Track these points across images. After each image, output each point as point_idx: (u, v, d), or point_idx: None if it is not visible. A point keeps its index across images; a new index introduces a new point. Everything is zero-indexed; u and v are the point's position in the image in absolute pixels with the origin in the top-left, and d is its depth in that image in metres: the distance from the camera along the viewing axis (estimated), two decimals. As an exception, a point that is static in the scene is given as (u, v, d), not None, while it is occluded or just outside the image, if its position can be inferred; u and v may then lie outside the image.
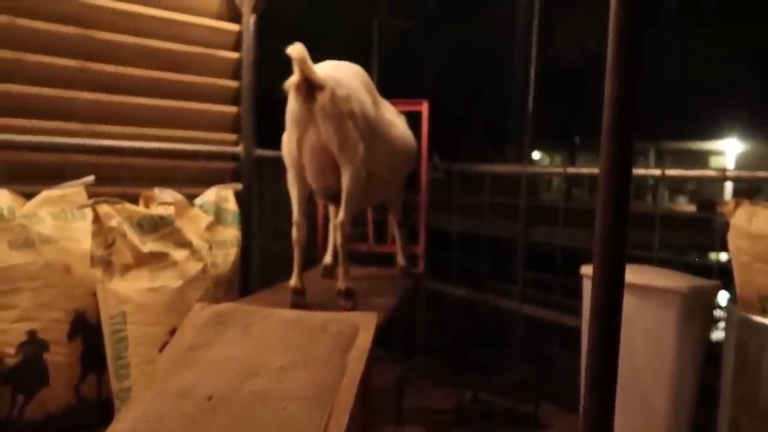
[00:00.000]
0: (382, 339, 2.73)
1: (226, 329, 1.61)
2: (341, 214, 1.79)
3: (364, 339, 1.54)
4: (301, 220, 1.81)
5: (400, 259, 2.47)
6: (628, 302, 1.99)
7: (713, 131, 12.47)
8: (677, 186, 11.75)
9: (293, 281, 1.80)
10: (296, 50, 1.61)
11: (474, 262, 2.99)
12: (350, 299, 1.79)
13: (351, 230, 1.85)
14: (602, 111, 1.15)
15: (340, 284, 1.80)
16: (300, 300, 1.78)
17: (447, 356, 2.95)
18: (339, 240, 1.81)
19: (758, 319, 1.51)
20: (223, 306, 1.70)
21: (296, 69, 1.63)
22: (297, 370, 1.45)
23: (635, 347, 1.98)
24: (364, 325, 1.58)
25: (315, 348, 1.51)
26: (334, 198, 1.84)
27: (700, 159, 14.19)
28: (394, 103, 2.49)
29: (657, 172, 2.26)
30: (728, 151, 13.42)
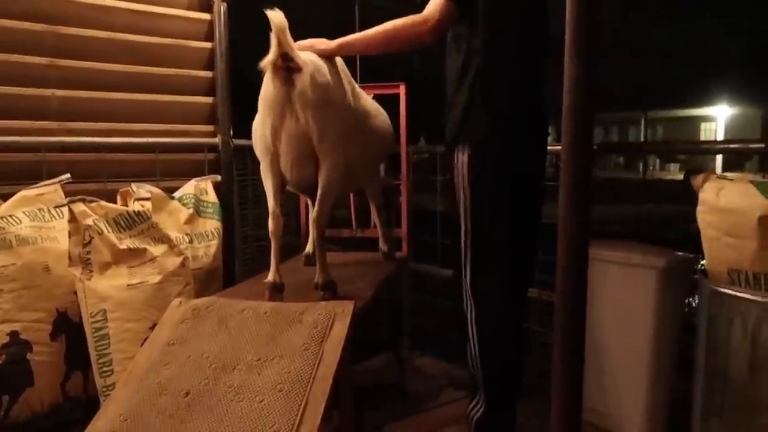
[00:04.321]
0: (369, 323, 2.79)
1: (203, 324, 1.62)
2: (317, 209, 1.72)
3: (340, 328, 1.55)
4: (277, 211, 1.73)
5: (383, 245, 2.47)
6: (607, 278, 2.04)
7: (703, 98, 12.47)
8: (669, 154, 11.76)
9: (271, 276, 1.75)
10: (277, 16, 1.48)
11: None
12: (328, 291, 1.77)
13: (329, 220, 1.81)
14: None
15: (318, 278, 1.77)
16: (278, 295, 1.74)
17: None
18: (315, 235, 1.77)
19: (728, 291, 1.52)
20: (200, 301, 1.71)
21: (274, 40, 1.51)
22: (273, 362, 1.46)
23: (614, 322, 2.01)
24: (340, 314, 1.59)
25: (291, 339, 1.52)
26: (310, 190, 1.78)
27: (691, 125, 14.18)
28: (372, 87, 2.48)
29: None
30: (718, 116, 13.42)
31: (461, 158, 1.79)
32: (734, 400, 1.53)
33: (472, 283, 1.81)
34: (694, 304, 1.93)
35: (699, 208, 1.63)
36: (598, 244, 2.07)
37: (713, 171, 1.72)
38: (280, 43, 1.51)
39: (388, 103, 2.57)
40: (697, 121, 14.18)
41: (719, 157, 8.61)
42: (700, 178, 1.63)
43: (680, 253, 1.96)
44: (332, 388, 1.40)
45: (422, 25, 1.71)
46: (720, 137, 12.84)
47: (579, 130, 1.17)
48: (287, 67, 1.58)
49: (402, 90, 2.54)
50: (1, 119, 2.20)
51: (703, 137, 13.72)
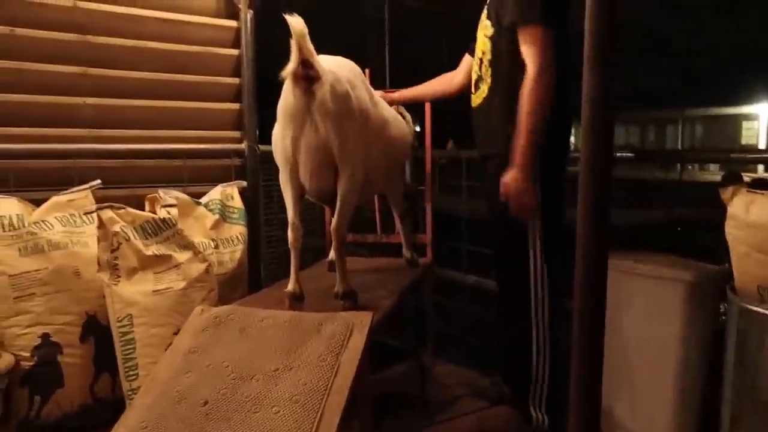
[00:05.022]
0: (391, 330, 2.79)
1: (224, 332, 1.64)
2: (336, 219, 1.72)
3: (358, 340, 1.55)
4: (296, 222, 1.74)
5: (406, 251, 2.46)
6: (634, 291, 1.99)
7: (744, 96, 12.04)
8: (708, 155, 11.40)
9: (290, 285, 1.76)
10: (297, 22, 1.47)
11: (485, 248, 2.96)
12: (348, 300, 1.77)
13: (354, 224, 1.82)
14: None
15: (338, 287, 1.78)
16: (298, 305, 1.75)
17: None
18: (334, 245, 1.78)
19: (757, 309, 1.47)
20: (222, 309, 1.73)
21: (294, 47, 1.50)
22: (290, 372, 1.47)
23: (641, 336, 1.96)
24: (359, 325, 1.59)
25: (308, 350, 1.52)
26: (329, 200, 1.78)
27: (732, 124, 13.71)
28: (396, 91, 2.48)
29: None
30: (761, 114, 12.94)
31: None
32: (764, 418, 1.48)
33: (551, 297, 1.87)
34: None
35: (728, 223, 1.58)
36: (625, 255, 2.03)
37: (755, 172, 1.66)
38: (300, 50, 1.51)
39: (416, 108, 2.57)
40: (738, 119, 13.69)
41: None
42: (729, 191, 1.57)
43: (710, 266, 1.90)
44: (348, 401, 1.40)
45: (545, 82, 1.78)
46: (763, 136, 12.39)
47: (598, 140, 1.15)
48: (307, 76, 1.57)
49: (427, 95, 2.53)
50: (36, 127, 2.27)
51: (744, 136, 13.26)
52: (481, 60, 2.02)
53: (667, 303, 1.86)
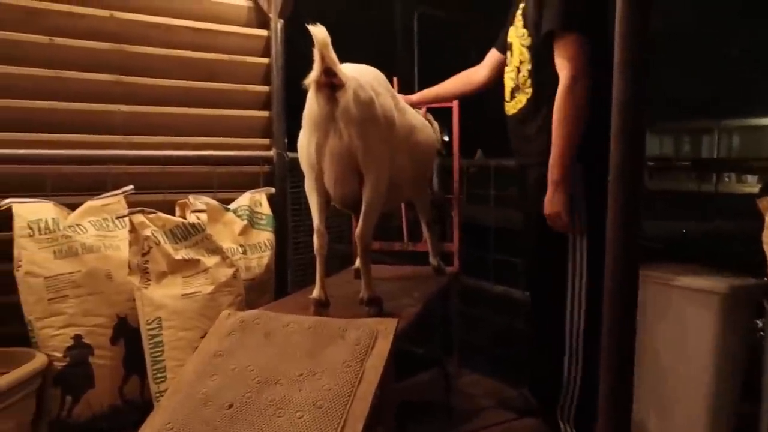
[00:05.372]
0: (417, 338, 2.77)
1: (249, 336, 1.65)
2: (360, 226, 1.72)
3: (383, 346, 1.55)
4: (322, 229, 1.75)
5: (433, 259, 2.45)
6: (667, 302, 1.94)
7: (783, 106, 11.70)
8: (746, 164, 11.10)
9: (316, 292, 1.77)
10: (320, 32, 1.48)
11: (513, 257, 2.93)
12: (374, 307, 1.77)
13: (380, 232, 1.82)
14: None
15: (363, 293, 1.78)
16: (323, 311, 1.75)
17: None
18: (359, 251, 1.78)
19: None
20: (248, 313, 1.74)
21: (317, 56, 1.51)
22: (314, 378, 1.47)
23: (674, 348, 1.91)
24: (383, 332, 1.58)
25: (333, 355, 1.52)
26: (354, 207, 1.79)
27: (769, 135, 13.32)
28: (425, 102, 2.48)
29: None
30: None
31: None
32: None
33: (588, 307, 1.86)
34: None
35: (765, 233, 1.53)
36: (658, 266, 1.98)
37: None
38: (323, 59, 1.52)
39: (444, 116, 2.57)
40: (776, 129, 13.32)
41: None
42: (766, 201, 1.53)
43: (747, 278, 1.84)
44: (372, 408, 1.39)
45: (579, 92, 1.78)
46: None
47: (628, 145, 1.13)
48: (330, 84, 1.58)
49: (455, 104, 2.53)
50: (72, 133, 2.33)
51: (783, 148, 12.87)
52: (518, 69, 2.00)
53: (700, 315, 1.81)
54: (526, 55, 1.94)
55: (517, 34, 1.99)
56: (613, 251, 1.16)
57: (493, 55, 2.28)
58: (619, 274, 1.16)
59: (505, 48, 2.10)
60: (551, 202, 1.84)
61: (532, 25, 1.89)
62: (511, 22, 2.07)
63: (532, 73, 1.93)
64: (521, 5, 1.98)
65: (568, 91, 1.77)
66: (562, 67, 1.79)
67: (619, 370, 1.17)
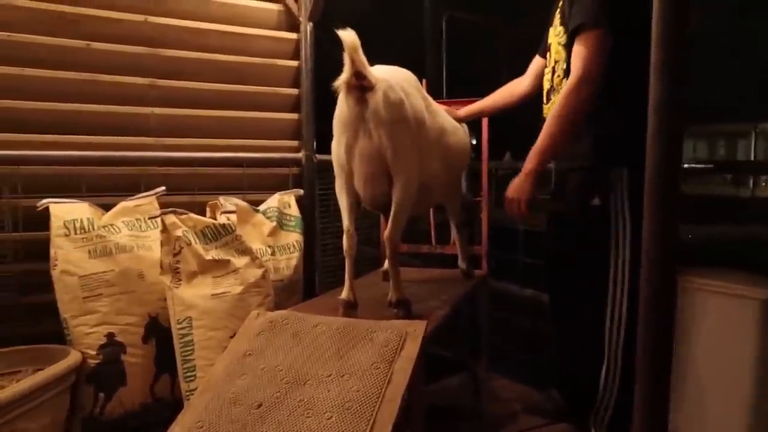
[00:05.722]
0: (446, 341, 2.75)
1: (278, 337, 1.65)
2: (390, 227, 1.72)
3: (411, 348, 1.53)
4: (351, 230, 1.75)
5: (462, 262, 2.43)
6: (705, 308, 1.89)
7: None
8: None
9: (344, 293, 1.77)
10: (349, 36, 1.48)
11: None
12: (402, 309, 1.76)
13: (407, 236, 1.80)
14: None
15: (391, 295, 1.77)
16: (351, 312, 1.75)
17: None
18: (388, 253, 1.77)
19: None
20: (277, 314, 1.75)
21: (347, 60, 1.52)
22: (343, 379, 1.47)
23: (712, 355, 1.86)
24: (412, 334, 1.57)
25: (361, 357, 1.52)
26: (384, 208, 1.78)
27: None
28: (454, 102, 2.47)
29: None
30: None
31: (616, 181, 1.80)
32: None
33: (629, 313, 1.81)
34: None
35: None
36: (695, 271, 1.93)
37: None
38: (353, 62, 1.53)
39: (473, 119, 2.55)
40: (817, 132, 12.90)
41: None
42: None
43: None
44: (401, 410, 1.38)
45: (584, 93, 1.73)
46: None
47: (665, 147, 1.11)
48: (360, 86, 1.59)
49: (484, 105, 2.50)
50: (107, 135, 2.38)
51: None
52: (553, 69, 1.96)
53: (740, 322, 1.75)
54: (562, 53, 1.88)
55: (555, 33, 1.95)
56: (650, 256, 1.13)
57: (535, 63, 2.22)
58: (655, 280, 1.14)
59: (545, 51, 2.06)
60: (519, 188, 1.79)
61: (567, 23, 1.85)
62: (550, 23, 2.02)
63: (567, 72, 1.89)
64: (560, 3, 1.93)
65: (574, 90, 1.72)
66: (576, 63, 1.74)
67: (656, 377, 1.14)
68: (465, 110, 2.41)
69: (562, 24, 1.89)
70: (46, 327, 2.15)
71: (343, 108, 1.65)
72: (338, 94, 1.65)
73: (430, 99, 1.97)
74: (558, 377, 2.24)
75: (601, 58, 1.72)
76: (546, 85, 2.03)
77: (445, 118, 2.10)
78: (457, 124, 2.25)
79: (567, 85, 1.75)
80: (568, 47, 1.86)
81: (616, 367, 1.86)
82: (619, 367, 1.85)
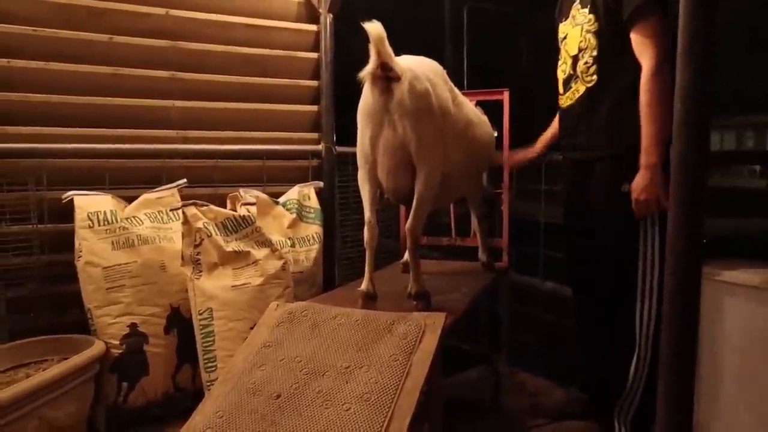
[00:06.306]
0: (465, 335, 2.73)
1: (297, 328, 1.66)
2: (411, 219, 1.70)
3: (430, 341, 1.53)
4: (372, 221, 1.74)
5: (482, 255, 2.41)
6: (732, 302, 1.85)
7: None
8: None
9: (364, 285, 1.77)
10: (374, 28, 1.47)
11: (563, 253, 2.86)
12: (421, 301, 1.75)
13: (427, 228, 1.78)
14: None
15: (411, 287, 1.76)
16: (371, 304, 1.75)
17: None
18: (409, 245, 1.76)
19: None
20: (296, 305, 1.75)
21: (372, 51, 1.51)
22: (362, 370, 1.47)
23: (739, 351, 1.82)
24: (431, 326, 1.56)
25: (380, 349, 1.51)
26: (406, 199, 1.76)
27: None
28: (474, 94, 2.44)
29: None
30: None
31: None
32: None
33: (659, 304, 1.77)
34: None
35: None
36: (721, 264, 1.88)
37: None
38: (379, 54, 1.52)
39: (494, 109, 2.52)
40: None
41: None
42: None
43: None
44: (419, 402, 1.37)
45: (665, 76, 1.70)
46: None
47: (691, 142, 1.08)
48: (386, 77, 1.58)
49: (505, 96, 2.47)
50: (129, 128, 2.41)
51: None
52: (575, 57, 1.94)
53: (767, 315, 1.70)
54: (593, 41, 1.87)
55: (578, 22, 1.94)
56: (675, 248, 1.11)
57: None
58: (680, 272, 1.11)
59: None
60: (647, 187, 1.74)
61: (603, 9, 1.84)
62: (564, 17, 2.02)
63: (598, 59, 1.86)
64: None
65: (656, 73, 1.70)
66: (646, 49, 1.73)
67: (680, 371, 1.12)
68: (540, 142, 2.42)
69: (592, 12, 1.88)
70: (70, 317, 2.19)
71: (368, 99, 1.64)
72: (362, 85, 1.64)
73: (456, 90, 1.95)
74: (581, 374, 2.21)
75: (668, 40, 1.70)
76: (562, 75, 2.02)
77: (471, 109, 2.08)
78: (483, 117, 2.23)
79: (647, 72, 1.73)
80: (600, 34, 1.83)
81: (645, 360, 1.84)
82: (649, 359, 1.83)
